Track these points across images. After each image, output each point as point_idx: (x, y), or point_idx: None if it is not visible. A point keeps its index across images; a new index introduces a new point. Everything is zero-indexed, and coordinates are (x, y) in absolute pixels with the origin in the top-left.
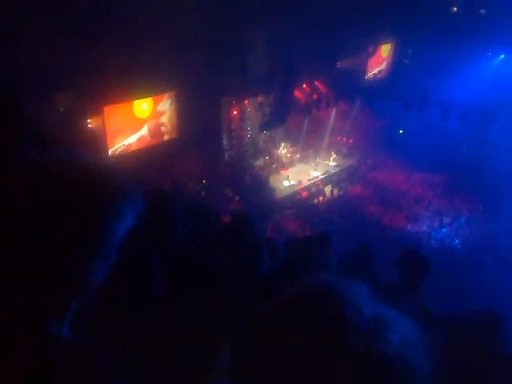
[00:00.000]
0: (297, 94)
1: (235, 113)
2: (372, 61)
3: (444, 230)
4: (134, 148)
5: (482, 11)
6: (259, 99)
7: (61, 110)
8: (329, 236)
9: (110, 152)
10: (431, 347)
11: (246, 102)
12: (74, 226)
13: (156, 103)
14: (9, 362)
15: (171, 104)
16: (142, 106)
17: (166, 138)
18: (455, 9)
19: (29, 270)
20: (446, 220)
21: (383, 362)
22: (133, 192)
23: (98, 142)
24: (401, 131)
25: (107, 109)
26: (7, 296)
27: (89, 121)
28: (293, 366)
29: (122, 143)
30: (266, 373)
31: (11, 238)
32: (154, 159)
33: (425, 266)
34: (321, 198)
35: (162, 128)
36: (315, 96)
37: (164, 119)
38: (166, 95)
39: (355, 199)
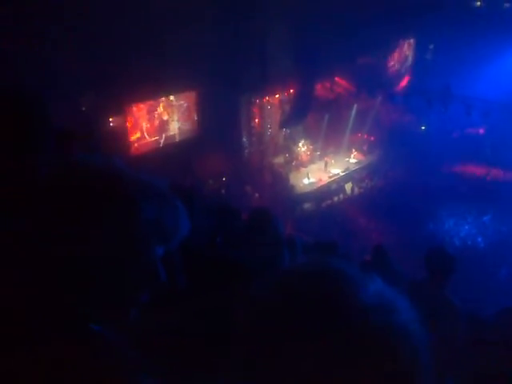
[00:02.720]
0: (317, 90)
1: (255, 110)
2: (394, 56)
3: (467, 228)
4: (154, 146)
5: (507, 5)
6: (279, 96)
7: (83, 109)
8: (336, 245)
9: (130, 150)
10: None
11: (265, 99)
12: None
13: (170, 103)
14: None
15: (187, 103)
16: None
17: (183, 136)
18: (478, 3)
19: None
20: (469, 218)
21: (385, 337)
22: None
23: (119, 140)
24: (423, 127)
25: (129, 108)
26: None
27: (111, 120)
28: (293, 343)
29: (142, 141)
30: (267, 350)
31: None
32: (174, 157)
33: (452, 263)
34: (341, 196)
35: (180, 127)
36: (336, 93)
37: (181, 118)
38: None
39: (376, 197)
